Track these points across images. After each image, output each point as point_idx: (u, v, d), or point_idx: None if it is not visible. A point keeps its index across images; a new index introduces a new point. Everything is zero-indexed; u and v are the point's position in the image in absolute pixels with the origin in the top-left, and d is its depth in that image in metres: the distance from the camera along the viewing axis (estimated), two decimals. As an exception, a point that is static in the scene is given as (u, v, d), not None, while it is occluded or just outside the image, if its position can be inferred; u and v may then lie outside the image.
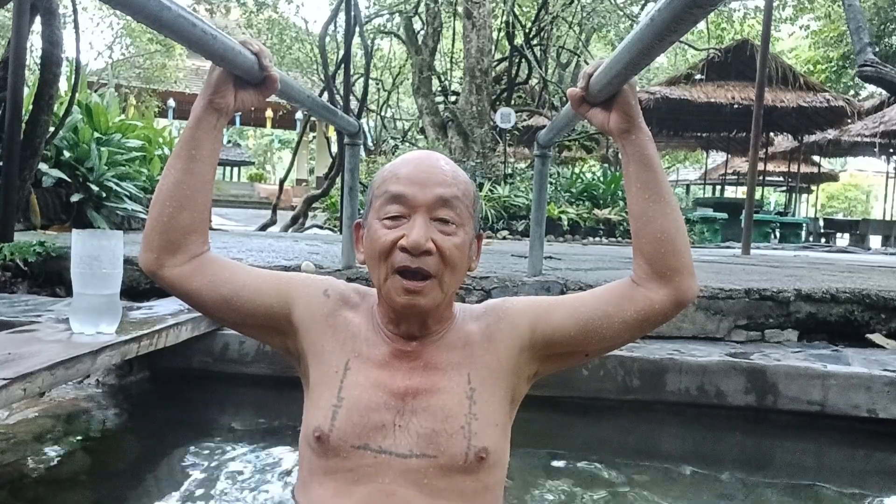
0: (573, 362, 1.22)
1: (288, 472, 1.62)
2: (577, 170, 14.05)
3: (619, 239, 9.19)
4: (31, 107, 4.19)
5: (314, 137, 22.17)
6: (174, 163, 1.10)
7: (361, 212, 1.20)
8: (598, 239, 8.99)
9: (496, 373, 1.13)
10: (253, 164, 31.95)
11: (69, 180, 4.66)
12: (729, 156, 20.12)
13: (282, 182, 11.45)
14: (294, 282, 1.19)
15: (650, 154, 1.09)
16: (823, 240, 15.51)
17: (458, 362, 1.12)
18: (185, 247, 1.11)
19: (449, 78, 14.22)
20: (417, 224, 1.06)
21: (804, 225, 15.89)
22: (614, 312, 1.11)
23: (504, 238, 8.41)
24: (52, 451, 1.75)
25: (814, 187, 23.41)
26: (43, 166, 4.51)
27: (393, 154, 12.14)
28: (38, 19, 4.13)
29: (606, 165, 14.57)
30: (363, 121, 11.70)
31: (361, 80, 9.98)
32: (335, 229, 8.51)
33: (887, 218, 18.12)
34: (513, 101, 12.62)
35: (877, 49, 9.19)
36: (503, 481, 1.17)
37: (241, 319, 1.17)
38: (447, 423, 1.07)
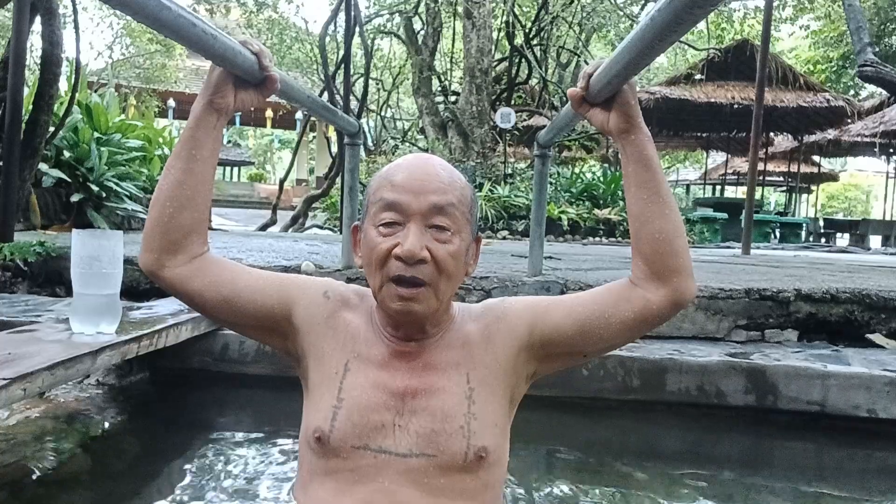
0: (572, 363, 1.22)
1: (288, 472, 1.62)
2: (577, 170, 14.05)
3: (619, 239, 9.19)
4: (31, 107, 4.19)
5: (314, 137, 22.17)
6: (174, 163, 1.10)
7: (362, 211, 1.20)
8: (598, 239, 8.99)
9: (495, 373, 1.13)
10: (253, 164, 31.96)
11: (69, 180, 4.66)
12: (729, 156, 20.11)
13: (282, 182, 11.46)
14: (295, 283, 1.19)
15: (649, 154, 1.09)
16: (823, 240, 15.51)
17: (457, 362, 1.12)
18: (186, 247, 1.11)
19: (449, 78, 14.21)
20: (412, 233, 1.05)
21: (804, 225, 15.88)
22: (613, 313, 1.11)
23: (504, 238, 8.41)
24: (53, 452, 1.75)
25: (814, 187, 23.41)
26: (43, 166, 4.51)
27: (393, 154, 12.14)
28: (38, 19, 4.13)
29: (606, 165, 14.57)
30: (363, 121, 11.71)
31: (361, 80, 9.98)
32: (335, 229, 8.51)
33: (887, 218, 18.12)
34: (513, 101, 12.62)
35: (877, 49, 9.19)
36: (503, 480, 1.17)
37: (241, 320, 1.16)
38: (446, 423, 1.07)
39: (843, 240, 16.96)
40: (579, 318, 1.12)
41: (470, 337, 1.14)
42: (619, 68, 1.01)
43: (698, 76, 13.46)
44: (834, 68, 19.84)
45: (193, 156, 1.10)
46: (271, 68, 1.11)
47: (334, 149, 9.44)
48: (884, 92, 10.56)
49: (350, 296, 1.19)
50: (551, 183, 9.39)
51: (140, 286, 2.81)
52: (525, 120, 12.70)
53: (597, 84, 1.08)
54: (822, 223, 17.50)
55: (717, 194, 22.49)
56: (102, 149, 4.88)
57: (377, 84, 14.41)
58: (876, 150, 16.82)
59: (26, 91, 4.14)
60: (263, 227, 9.49)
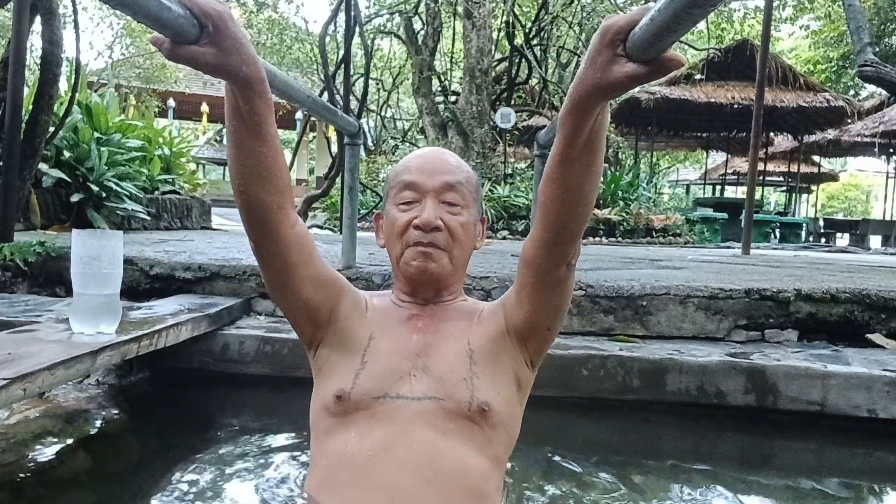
0: (545, 338, 1.27)
1: (287, 472, 1.61)
2: (577, 170, 13.99)
3: (620, 239, 9.20)
4: (31, 107, 4.19)
5: (314, 137, 22.15)
6: (249, 143, 1.07)
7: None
8: (598, 239, 8.98)
9: (492, 346, 1.24)
10: (253, 164, 31.85)
11: (69, 180, 4.65)
12: (729, 156, 20.12)
13: (282, 182, 11.41)
14: (343, 282, 1.31)
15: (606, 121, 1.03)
16: (823, 240, 15.51)
17: (461, 328, 1.26)
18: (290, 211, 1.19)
19: (449, 78, 14.20)
20: (428, 206, 1.23)
21: (804, 225, 15.88)
22: (527, 282, 1.20)
23: (504, 238, 8.40)
24: (52, 451, 1.75)
25: (814, 187, 23.41)
26: (43, 166, 4.50)
27: (393, 154, 12.14)
28: (38, 19, 4.13)
29: (606, 165, 14.56)
30: (363, 121, 11.70)
31: (361, 80, 9.98)
32: (335, 229, 8.51)
33: (887, 218, 18.12)
34: (513, 101, 12.61)
35: (877, 49, 9.19)
36: (509, 449, 1.25)
37: (299, 303, 1.24)
38: (452, 373, 1.19)
39: (843, 240, 16.96)
40: (521, 295, 1.22)
41: (470, 319, 1.29)
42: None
43: (698, 76, 13.45)
44: (834, 68, 19.86)
45: (257, 132, 1.07)
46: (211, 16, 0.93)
47: (334, 149, 9.43)
48: (884, 92, 10.56)
49: (372, 294, 1.36)
50: (551, 183, 9.35)
51: (140, 286, 2.81)
52: (525, 120, 12.69)
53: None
54: (822, 223, 17.50)
55: (717, 194, 22.50)
56: (102, 149, 4.88)
57: (377, 84, 14.40)
58: (876, 150, 16.81)
59: (26, 91, 4.13)
60: (263, 227, 9.45)
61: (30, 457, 1.69)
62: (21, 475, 1.58)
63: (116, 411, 2.14)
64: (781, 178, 21.86)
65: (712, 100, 13.46)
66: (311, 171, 24.71)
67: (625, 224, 9.51)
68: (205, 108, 20.74)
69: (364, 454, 1.13)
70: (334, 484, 1.15)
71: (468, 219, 1.26)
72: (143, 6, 0.86)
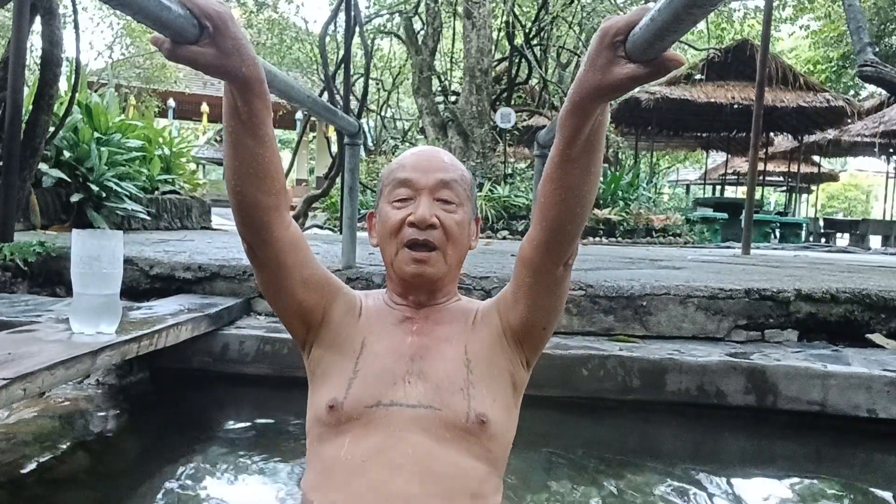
0: (541, 338, 1.26)
1: (287, 472, 1.62)
2: (577, 170, 13.97)
3: (619, 239, 9.20)
4: (31, 107, 4.19)
5: (314, 137, 22.15)
6: (246, 144, 1.06)
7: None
8: (598, 239, 8.98)
9: (489, 351, 1.22)
10: (253, 164, 31.80)
11: (69, 180, 4.65)
12: (729, 156, 20.12)
13: (282, 182, 11.40)
14: (335, 282, 1.30)
15: (606, 121, 1.02)
16: (823, 240, 15.51)
17: (458, 332, 1.24)
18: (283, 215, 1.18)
19: (449, 78, 14.21)
20: (423, 203, 1.21)
21: (804, 225, 15.88)
22: (525, 282, 1.19)
23: (504, 238, 8.40)
24: (52, 451, 1.75)
25: (814, 187, 23.40)
26: (43, 166, 4.50)
27: (393, 154, 12.15)
28: (38, 19, 4.13)
29: (606, 165, 14.55)
30: (363, 121, 11.69)
31: (361, 80, 9.98)
32: (335, 229, 8.51)
33: (887, 218, 18.12)
34: (513, 101, 12.61)
35: (877, 49, 9.18)
36: (505, 458, 1.24)
37: (290, 298, 1.23)
38: (449, 382, 1.17)
39: (843, 240, 16.96)
40: (518, 295, 1.21)
41: (466, 322, 1.26)
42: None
43: (698, 76, 13.46)
44: (834, 68, 19.86)
45: (255, 133, 1.07)
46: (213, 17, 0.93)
47: (334, 149, 9.42)
48: (884, 92, 10.56)
49: (367, 294, 1.35)
50: (551, 183, 9.33)
51: (140, 286, 2.81)
52: (525, 120, 12.70)
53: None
54: (822, 223, 17.49)
55: (717, 194, 22.50)
56: (102, 149, 4.88)
57: (377, 84, 14.41)
58: (876, 150, 16.81)
59: (26, 91, 4.13)
60: (263, 227, 9.43)
61: (30, 457, 1.68)
62: (21, 475, 1.58)
63: (116, 411, 2.14)
64: (781, 178, 21.86)
65: (712, 100, 13.47)
66: (311, 171, 24.70)
67: (625, 224, 9.50)
68: (205, 108, 20.73)
69: (358, 459, 1.13)
70: (329, 487, 1.15)
71: (463, 217, 1.25)
72: (143, 6, 0.87)
